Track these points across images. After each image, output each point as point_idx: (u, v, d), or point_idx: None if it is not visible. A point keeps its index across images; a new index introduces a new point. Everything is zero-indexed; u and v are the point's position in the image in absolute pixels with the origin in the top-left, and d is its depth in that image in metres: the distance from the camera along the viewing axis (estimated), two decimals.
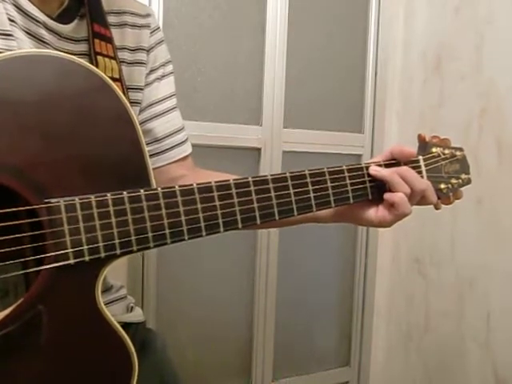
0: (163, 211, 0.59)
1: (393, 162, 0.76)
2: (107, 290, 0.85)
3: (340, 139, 1.72)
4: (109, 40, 0.76)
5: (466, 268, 1.45)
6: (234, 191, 0.63)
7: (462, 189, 0.84)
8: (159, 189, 0.59)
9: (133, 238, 0.58)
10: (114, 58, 0.76)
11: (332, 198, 0.71)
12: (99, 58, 0.73)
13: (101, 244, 0.56)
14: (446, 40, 1.56)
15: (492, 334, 1.37)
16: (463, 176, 0.83)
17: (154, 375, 0.80)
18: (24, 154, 0.54)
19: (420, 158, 0.78)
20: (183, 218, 0.60)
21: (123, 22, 0.81)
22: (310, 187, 0.69)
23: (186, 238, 0.61)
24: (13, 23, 0.66)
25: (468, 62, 1.46)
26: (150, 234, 0.58)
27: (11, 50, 0.63)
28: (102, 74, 0.59)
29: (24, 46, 0.67)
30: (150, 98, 0.84)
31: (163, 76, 0.87)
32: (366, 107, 1.77)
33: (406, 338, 1.72)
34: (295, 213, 0.68)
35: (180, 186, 0.60)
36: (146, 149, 0.61)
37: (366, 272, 1.83)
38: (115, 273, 0.84)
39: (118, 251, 0.57)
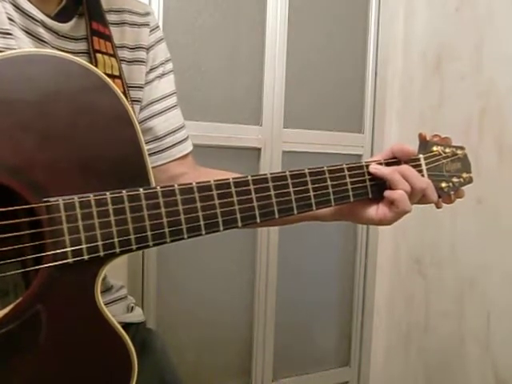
0: (162, 210, 0.59)
1: (393, 160, 0.76)
2: (107, 290, 0.85)
3: (340, 139, 1.72)
4: (108, 38, 0.76)
5: (466, 268, 1.45)
6: (233, 190, 0.63)
7: (463, 188, 0.84)
8: (158, 187, 0.59)
9: (132, 236, 0.57)
10: (114, 55, 0.76)
11: (332, 197, 0.71)
12: (98, 55, 0.73)
13: (100, 243, 0.56)
14: (446, 40, 1.55)
15: (492, 334, 1.37)
16: (464, 175, 0.83)
17: (154, 375, 0.80)
18: (23, 153, 0.54)
19: (421, 156, 0.78)
20: (182, 216, 0.60)
21: (123, 21, 0.81)
22: (310, 186, 0.69)
23: (186, 236, 0.60)
24: (12, 22, 0.66)
25: (468, 61, 1.46)
26: (149, 233, 0.58)
27: (11, 49, 0.64)
28: (101, 73, 0.59)
29: (23, 44, 0.67)
30: (150, 96, 0.84)
31: (163, 74, 0.87)
32: (366, 107, 1.77)
33: (406, 338, 1.71)
34: (295, 211, 0.68)
35: (179, 185, 0.60)
36: (146, 148, 0.61)
37: (366, 272, 1.83)
38: (115, 273, 0.83)
39: (118, 250, 0.57)
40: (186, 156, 0.88)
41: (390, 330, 1.80)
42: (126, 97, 0.75)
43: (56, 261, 0.54)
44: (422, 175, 0.77)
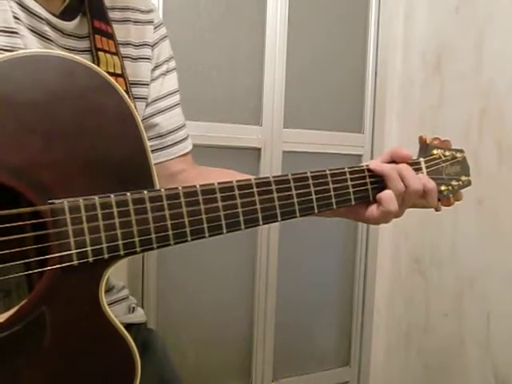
0: (166, 212, 0.59)
1: (392, 163, 0.76)
2: (109, 290, 0.85)
3: (340, 139, 1.72)
4: (110, 36, 0.76)
5: (466, 268, 1.46)
6: (236, 193, 0.63)
7: (462, 190, 0.84)
8: (162, 190, 0.60)
9: (136, 239, 0.58)
10: (116, 53, 0.76)
11: (334, 200, 0.71)
12: (101, 53, 0.74)
13: (104, 245, 0.56)
14: (446, 40, 1.56)
15: (492, 334, 1.37)
16: (463, 178, 0.84)
17: (155, 375, 0.80)
18: (27, 154, 0.54)
19: (421, 160, 0.79)
20: (186, 219, 0.60)
21: (126, 18, 0.81)
22: (312, 189, 0.69)
23: (189, 239, 0.61)
24: (18, 21, 0.67)
25: (468, 62, 1.46)
26: (153, 235, 0.58)
27: (17, 48, 0.64)
28: (104, 73, 0.59)
29: (29, 43, 0.67)
30: (154, 93, 0.84)
31: (168, 71, 0.87)
32: (366, 107, 1.77)
33: (406, 338, 1.72)
34: (297, 214, 0.68)
35: (183, 188, 0.61)
36: (149, 146, 0.62)
37: (366, 272, 1.83)
38: (115, 273, 0.83)
39: (122, 252, 0.57)
40: (185, 154, 0.89)
41: (389, 330, 1.81)
42: (129, 95, 0.75)
43: (61, 263, 0.54)
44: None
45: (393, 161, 0.76)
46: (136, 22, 0.82)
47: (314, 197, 0.69)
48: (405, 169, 0.74)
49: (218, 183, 0.62)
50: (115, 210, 0.56)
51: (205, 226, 0.61)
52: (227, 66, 1.54)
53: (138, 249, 0.58)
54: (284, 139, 1.62)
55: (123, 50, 0.79)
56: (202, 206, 0.61)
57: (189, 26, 1.47)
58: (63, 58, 0.58)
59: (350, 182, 0.72)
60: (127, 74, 0.77)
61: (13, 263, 0.53)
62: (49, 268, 0.54)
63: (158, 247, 0.59)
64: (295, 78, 1.64)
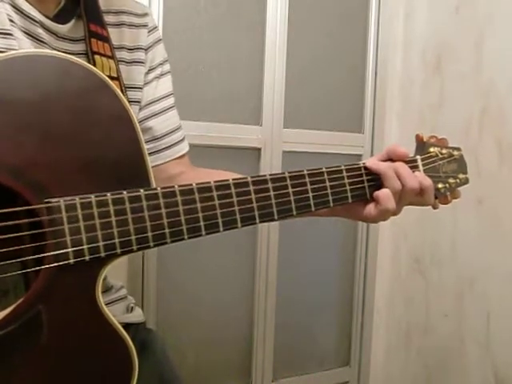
0: (163, 211, 0.59)
1: (389, 161, 0.76)
2: (107, 290, 0.85)
3: (340, 139, 1.72)
4: (106, 39, 0.77)
5: (466, 268, 1.45)
6: (233, 191, 0.63)
7: (461, 188, 0.84)
8: (159, 188, 0.60)
9: (133, 237, 0.58)
10: (112, 57, 0.76)
11: (330, 198, 0.71)
12: (96, 57, 0.74)
13: (101, 243, 0.56)
14: (446, 40, 1.56)
15: (492, 334, 1.37)
16: (461, 175, 0.84)
17: (154, 375, 0.80)
18: (24, 153, 0.54)
19: (418, 157, 0.79)
20: (183, 217, 0.60)
21: (121, 22, 0.81)
22: (309, 187, 0.69)
23: (186, 237, 0.61)
24: (12, 23, 0.67)
25: (468, 62, 1.46)
26: (149, 234, 0.58)
27: (12, 50, 0.64)
28: (101, 73, 0.60)
29: (24, 45, 0.67)
30: (148, 96, 0.85)
31: (162, 75, 0.87)
32: (366, 107, 1.77)
33: (406, 338, 1.72)
34: (294, 212, 0.68)
35: (179, 186, 0.61)
36: (146, 148, 0.62)
37: (366, 272, 1.83)
38: (115, 273, 0.84)
39: (119, 250, 0.57)
40: (182, 156, 0.89)
41: (389, 330, 1.81)
42: None
43: (57, 261, 0.54)
44: None
45: (390, 159, 0.76)
46: (130, 25, 0.82)
47: (310, 194, 0.69)
48: (401, 167, 0.73)
49: (215, 181, 0.62)
50: (111, 208, 0.57)
51: (201, 224, 0.61)
52: (227, 65, 1.54)
53: (134, 247, 0.58)
54: (284, 139, 1.62)
55: (117, 54, 0.79)
56: (199, 204, 0.61)
57: (189, 25, 1.48)
58: (60, 58, 0.58)
59: (346, 180, 0.72)
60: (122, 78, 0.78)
61: (9, 262, 0.53)
62: (45, 267, 0.54)
63: (155, 245, 0.59)
64: (295, 78, 1.64)
